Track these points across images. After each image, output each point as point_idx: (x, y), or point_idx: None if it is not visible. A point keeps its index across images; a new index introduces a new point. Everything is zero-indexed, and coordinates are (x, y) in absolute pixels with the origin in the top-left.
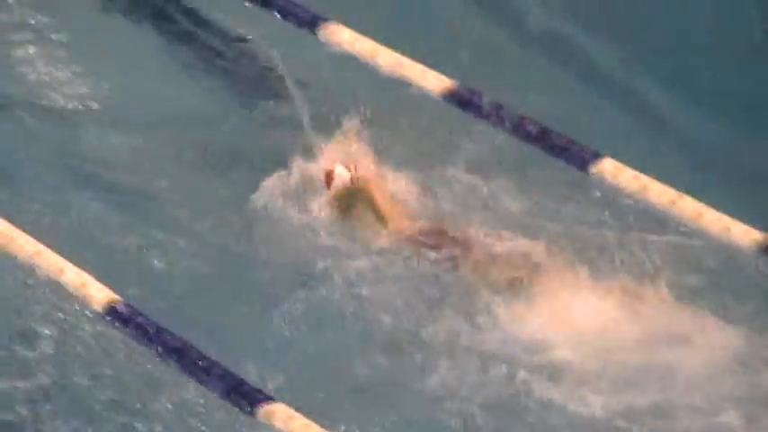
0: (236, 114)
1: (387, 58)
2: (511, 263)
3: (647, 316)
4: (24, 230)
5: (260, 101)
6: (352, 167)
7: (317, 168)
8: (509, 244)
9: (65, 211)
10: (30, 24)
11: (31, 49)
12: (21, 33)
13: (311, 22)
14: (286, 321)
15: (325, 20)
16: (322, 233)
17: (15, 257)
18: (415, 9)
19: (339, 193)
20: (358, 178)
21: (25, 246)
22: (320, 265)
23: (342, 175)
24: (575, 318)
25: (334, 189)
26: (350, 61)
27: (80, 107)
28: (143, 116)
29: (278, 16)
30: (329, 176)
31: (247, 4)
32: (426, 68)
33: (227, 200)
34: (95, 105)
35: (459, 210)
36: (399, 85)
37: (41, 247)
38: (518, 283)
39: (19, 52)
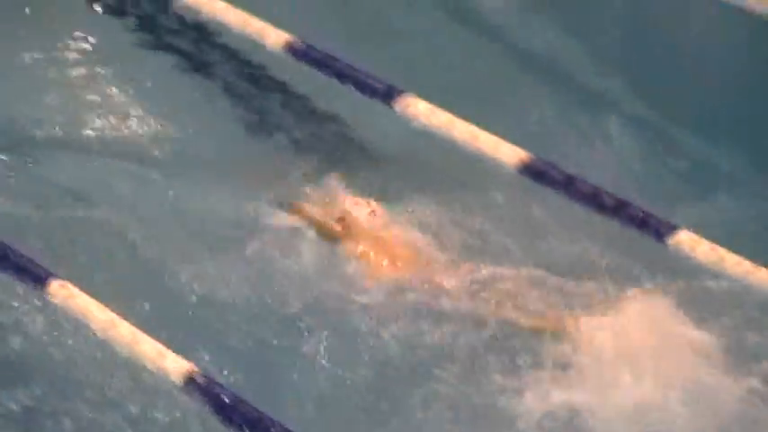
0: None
1: (462, 130)
2: None
3: None
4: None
5: (332, 172)
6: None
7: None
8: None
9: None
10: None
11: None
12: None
13: (387, 94)
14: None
15: (401, 92)
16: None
17: (89, 327)
18: (487, 81)
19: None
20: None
21: (100, 316)
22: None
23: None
24: None
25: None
26: (425, 134)
27: (149, 160)
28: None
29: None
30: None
31: (322, 76)
32: (500, 140)
33: None
34: (164, 157)
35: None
36: (474, 158)
37: (115, 316)
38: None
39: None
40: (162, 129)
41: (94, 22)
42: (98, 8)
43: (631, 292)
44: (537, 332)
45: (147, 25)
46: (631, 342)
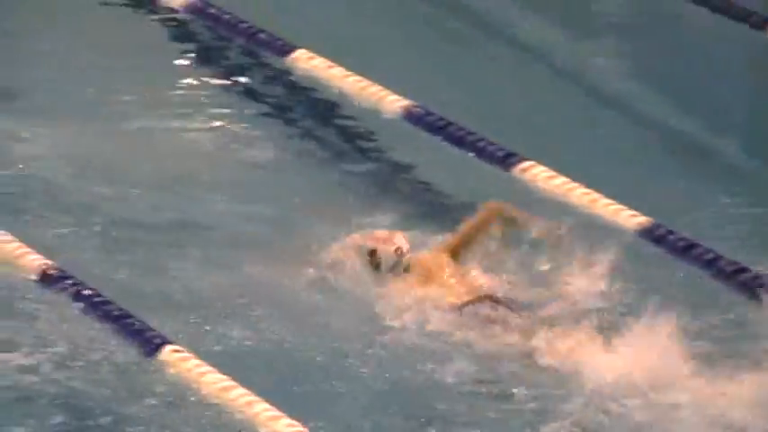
0: None
1: (578, 195)
2: None
3: None
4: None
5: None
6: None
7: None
8: None
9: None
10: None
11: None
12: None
13: (505, 161)
14: None
15: (521, 158)
16: None
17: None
18: (603, 147)
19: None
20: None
21: (213, 382)
22: None
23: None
24: None
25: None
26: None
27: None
28: None
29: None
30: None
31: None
32: (620, 206)
33: None
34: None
35: None
36: (593, 224)
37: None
38: None
39: None
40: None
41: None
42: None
43: None
44: None
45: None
46: None
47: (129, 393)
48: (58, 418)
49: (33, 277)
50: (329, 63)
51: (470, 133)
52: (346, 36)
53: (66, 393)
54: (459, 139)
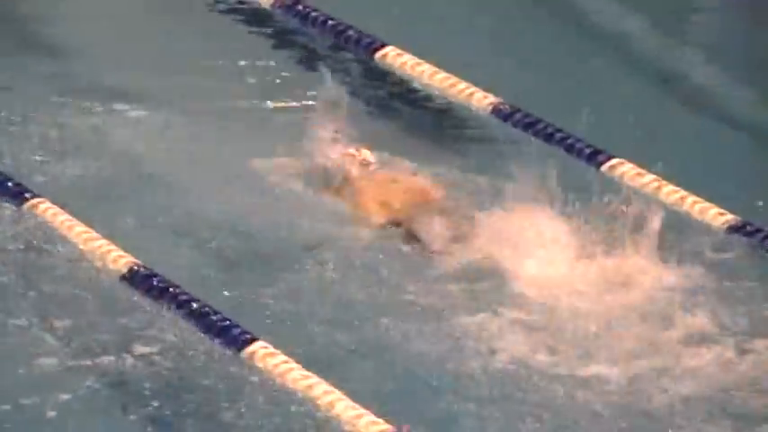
0: None
1: (668, 193)
2: None
3: None
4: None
5: None
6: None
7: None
8: None
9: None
10: None
11: None
12: None
13: (593, 158)
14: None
15: (609, 155)
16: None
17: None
18: (692, 145)
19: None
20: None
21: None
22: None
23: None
24: None
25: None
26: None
27: None
28: None
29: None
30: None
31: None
32: (709, 204)
33: None
34: None
35: None
36: (681, 221)
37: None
38: None
39: None
40: None
41: None
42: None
43: None
44: None
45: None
46: None
47: (218, 390)
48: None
49: (120, 274)
50: (417, 60)
51: (558, 130)
52: (434, 33)
53: (157, 390)
54: (548, 137)
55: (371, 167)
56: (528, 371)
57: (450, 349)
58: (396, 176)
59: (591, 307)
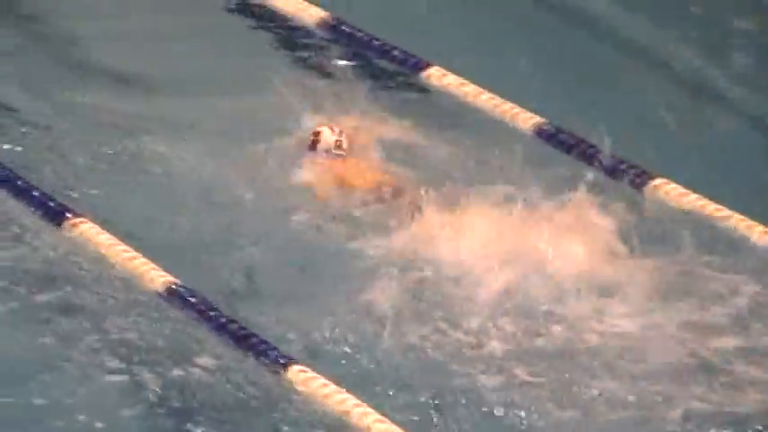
0: None
1: (713, 212)
2: None
3: None
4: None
5: None
6: (337, 130)
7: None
8: None
9: None
10: None
11: None
12: None
13: (636, 179)
14: None
15: (653, 175)
16: None
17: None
18: (737, 165)
19: None
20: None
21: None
22: None
23: (327, 138)
24: None
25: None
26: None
27: None
28: None
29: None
30: (316, 137)
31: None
32: (753, 222)
33: None
34: None
35: None
36: (726, 238)
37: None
38: None
39: None
40: None
41: None
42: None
43: None
44: None
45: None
46: None
47: (255, 410)
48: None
49: (159, 293)
50: (461, 80)
51: (600, 151)
52: (478, 53)
53: (195, 410)
54: (590, 157)
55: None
56: None
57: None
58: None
59: None
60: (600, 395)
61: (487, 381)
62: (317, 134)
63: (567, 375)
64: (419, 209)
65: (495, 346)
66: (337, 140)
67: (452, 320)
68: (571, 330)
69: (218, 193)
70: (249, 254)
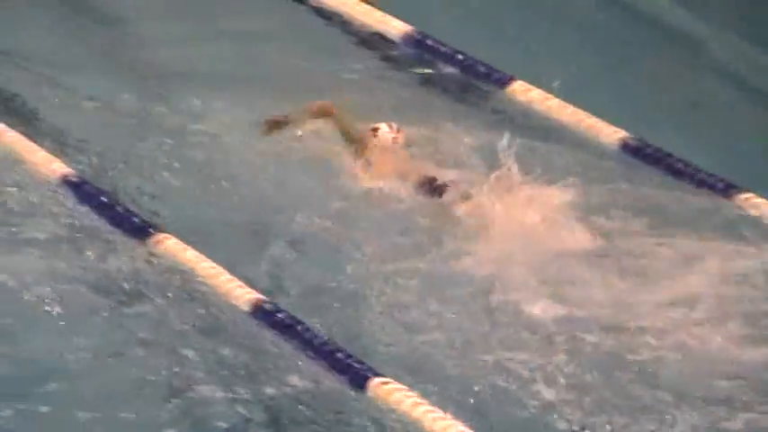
0: None
1: None
2: None
3: None
4: None
5: None
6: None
7: None
8: None
9: None
10: None
11: None
12: None
13: (725, 191)
14: None
15: (739, 189)
16: None
17: None
18: None
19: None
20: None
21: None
22: None
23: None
24: None
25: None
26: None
27: None
28: None
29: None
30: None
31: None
32: None
33: None
34: None
35: None
36: None
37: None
38: None
39: None
40: None
41: None
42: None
43: None
44: None
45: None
46: None
47: (340, 423)
48: None
49: (245, 309)
50: (546, 95)
51: (687, 164)
52: (562, 66)
53: (285, 426)
54: (678, 171)
55: (398, 143)
56: None
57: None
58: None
59: None
60: None
61: None
62: (375, 130)
63: None
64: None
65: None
66: (394, 137)
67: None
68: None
69: (303, 207)
70: (333, 269)
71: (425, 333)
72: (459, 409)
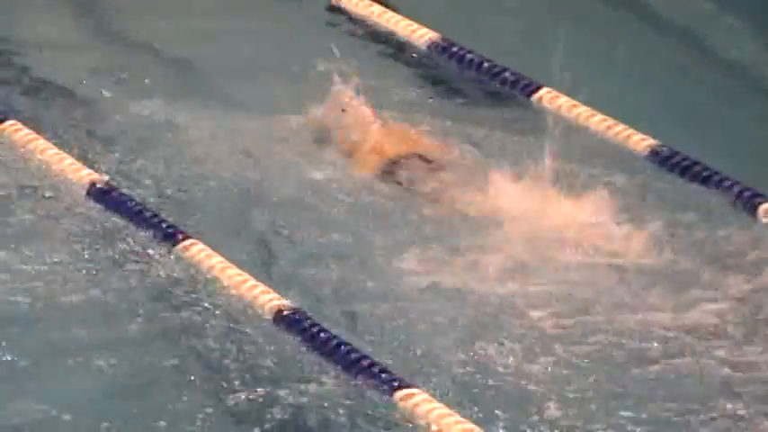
0: None
1: None
2: None
3: None
4: None
5: None
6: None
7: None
8: None
9: None
10: None
11: None
12: None
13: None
14: None
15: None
16: None
17: None
18: None
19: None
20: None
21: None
22: None
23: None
24: None
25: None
26: None
27: None
28: None
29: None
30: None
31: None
32: None
33: None
34: None
35: None
36: None
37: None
38: None
39: None
40: None
41: None
42: None
43: None
44: None
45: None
46: None
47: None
48: None
49: (268, 317)
50: (573, 102)
51: (716, 173)
52: (590, 74)
53: None
54: (706, 179)
55: (373, 124)
56: None
57: None
58: (391, 130)
59: None
60: None
61: None
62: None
63: None
64: None
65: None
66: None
67: None
68: None
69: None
70: (359, 275)
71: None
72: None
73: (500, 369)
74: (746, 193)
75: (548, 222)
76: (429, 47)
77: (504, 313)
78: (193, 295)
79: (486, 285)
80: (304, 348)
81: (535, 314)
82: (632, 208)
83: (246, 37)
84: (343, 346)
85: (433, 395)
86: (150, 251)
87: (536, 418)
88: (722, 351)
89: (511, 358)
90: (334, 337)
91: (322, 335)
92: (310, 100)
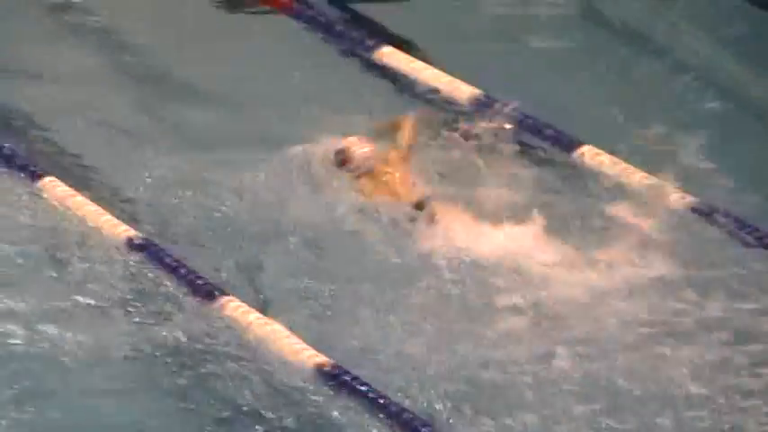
0: None
1: None
2: None
3: None
4: None
5: None
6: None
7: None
8: None
9: None
10: None
11: None
12: None
13: None
14: None
15: None
16: None
17: None
18: None
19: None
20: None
21: None
22: None
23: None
24: None
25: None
26: None
27: None
28: None
29: None
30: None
31: None
32: None
33: None
34: None
35: None
36: None
37: None
38: None
39: None
40: None
41: None
42: None
43: None
44: None
45: None
46: None
47: None
48: None
49: (309, 371)
50: (615, 159)
51: (756, 229)
52: (631, 131)
53: None
54: (743, 237)
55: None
56: None
57: None
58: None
59: None
60: None
61: None
62: (343, 152)
63: None
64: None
65: None
66: (365, 153)
67: None
68: None
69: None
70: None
71: None
72: None
73: None
74: None
75: None
76: (470, 102)
77: None
78: (232, 352)
79: None
80: (346, 403)
81: None
82: (680, 263)
83: None
84: (385, 399)
85: None
86: (187, 307)
87: None
88: None
89: None
90: (375, 391)
91: (362, 387)
92: None
